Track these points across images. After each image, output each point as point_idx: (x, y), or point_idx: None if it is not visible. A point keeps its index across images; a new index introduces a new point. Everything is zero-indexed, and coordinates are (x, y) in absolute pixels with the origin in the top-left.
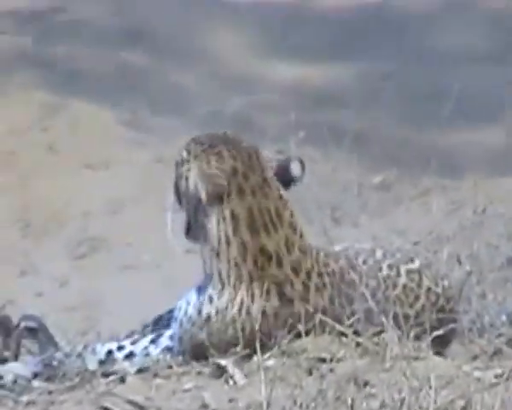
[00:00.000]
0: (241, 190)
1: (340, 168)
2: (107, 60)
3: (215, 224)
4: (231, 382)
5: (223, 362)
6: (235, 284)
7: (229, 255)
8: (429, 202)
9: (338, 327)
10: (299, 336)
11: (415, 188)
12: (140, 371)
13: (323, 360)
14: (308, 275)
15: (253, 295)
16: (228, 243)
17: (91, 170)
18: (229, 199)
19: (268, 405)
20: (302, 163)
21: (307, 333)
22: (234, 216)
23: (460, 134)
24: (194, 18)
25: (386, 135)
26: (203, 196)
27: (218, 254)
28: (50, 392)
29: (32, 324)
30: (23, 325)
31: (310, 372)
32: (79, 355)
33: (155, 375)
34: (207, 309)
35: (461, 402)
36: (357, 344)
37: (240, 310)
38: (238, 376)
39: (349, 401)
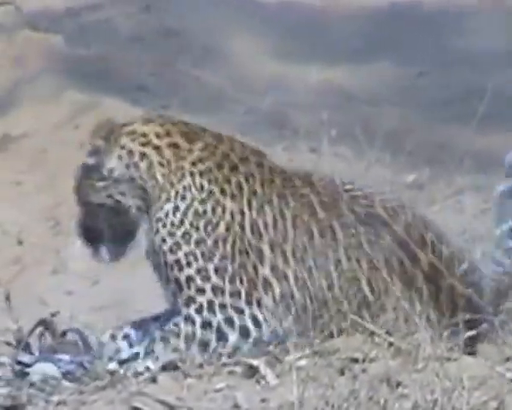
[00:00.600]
0: None
1: (373, 167)
2: (138, 58)
3: None
4: (263, 382)
5: (255, 362)
6: None
7: None
8: (462, 201)
9: (371, 327)
10: (331, 335)
11: (448, 187)
12: (165, 368)
13: (356, 361)
14: None
15: None
16: None
17: None
18: None
19: (300, 405)
20: None
21: (340, 333)
22: None
23: (493, 134)
24: (225, 18)
25: (419, 134)
26: None
27: None
28: (81, 392)
29: (75, 337)
30: (68, 337)
31: (342, 372)
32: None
33: (186, 375)
34: None
35: (494, 403)
36: (390, 344)
37: None
38: (270, 376)
39: (381, 402)
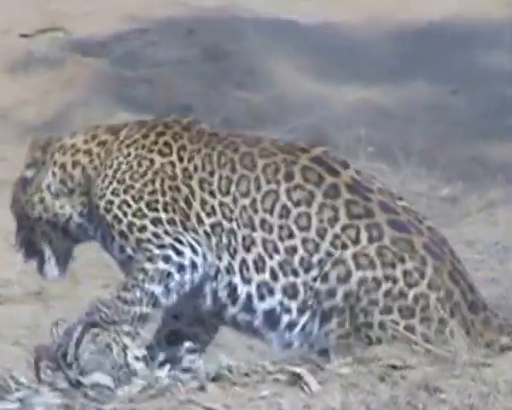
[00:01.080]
0: None
1: (409, 181)
2: (183, 80)
3: None
4: (306, 389)
5: (298, 370)
6: None
7: None
8: (495, 214)
9: (410, 336)
10: (370, 343)
11: (481, 200)
12: (215, 379)
13: (395, 368)
14: None
15: None
16: None
17: None
18: None
19: None
20: None
21: (379, 341)
22: None
23: None
24: (266, 41)
25: (453, 149)
26: None
27: None
28: (132, 400)
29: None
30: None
31: (382, 379)
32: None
33: (233, 383)
34: None
35: None
36: (428, 352)
37: None
38: (313, 383)
39: (420, 407)
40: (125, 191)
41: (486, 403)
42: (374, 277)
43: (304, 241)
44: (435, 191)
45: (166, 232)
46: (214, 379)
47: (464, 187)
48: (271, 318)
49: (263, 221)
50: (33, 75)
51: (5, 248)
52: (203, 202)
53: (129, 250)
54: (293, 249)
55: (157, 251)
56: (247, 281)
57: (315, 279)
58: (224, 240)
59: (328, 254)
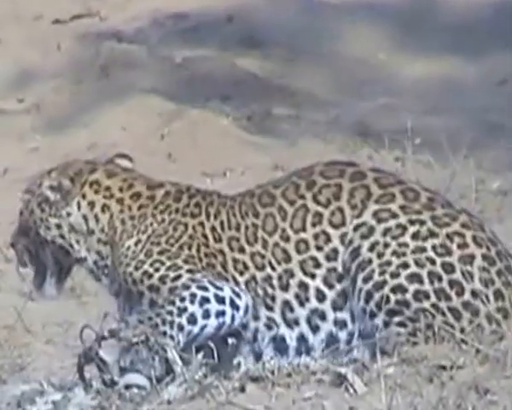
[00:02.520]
0: None
1: (458, 174)
2: (222, 68)
3: None
4: (351, 390)
5: (343, 370)
6: None
7: None
8: None
9: (458, 335)
10: (415, 343)
11: None
12: (256, 379)
13: (444, 368)
14: None
15: None
16: None
17: (209, 178)
18: None
19: None
20: (127, 156)
21: (426, 341)
22: None
23: None
24: (304, 25)
25: (503, 140)
26: None
27: None
28: (170, 401)
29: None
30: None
31: (430, 380)
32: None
33: (275, 384)
34: None
35: None
36: (477, 351)
37: None
38: (358, 384)
39: (470, 409)
40: (160, 253)
41: None
42: None
43: (342, 235)
44: (485, 184)
45: (204, 276)
46: (255, 380)
47: None
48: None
49: (298, 242)
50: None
51: None
52: (235, 262)
53: (160, 302)
54: (335, 251)
55: (181, 285)
56: (294, 323)
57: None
58: (260, 292)
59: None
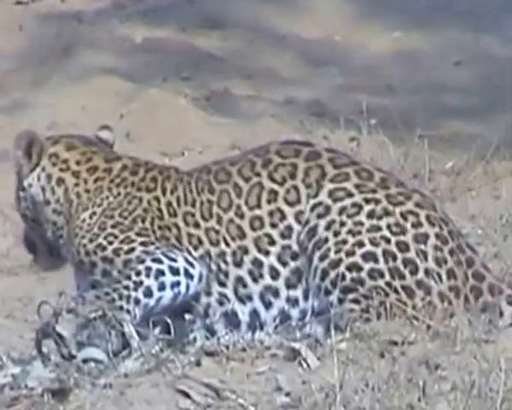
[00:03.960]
0: None
1: (412, 154)
2: (182, 48)
3: None
4: (305, 365)
5: (296, 345)
6: None
7: None
8: (499, 188)
9: (410, 311)
10: (368, 320)
11: (485, 173)
12: (211, 354)
13: (395, 344)
14: None
15: None
16: None
17: (168, 157)
18: None
19: (340, 387)
20: (107, 127)
21: (379, 317)
22: None
23: None
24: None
25: (456, 121)
26: None
27: None
28: (127, 375)
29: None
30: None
31: (382, 355)
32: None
33: (229, 358)
34: None
35: None
36: (428, 328)
37: None
38: (311, 359)
39: (420, 384)
40: (114, 226)
41: (487, 380)
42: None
43: (297, 214)
44: (439, 164)
45: (158, 248)
46: (210, 354)
47: (468, 160)
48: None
49: (252, 219)
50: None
51: None
52: (190, 237)
53: (114, 273)
54: (290, 229)
55: (136, 258)
56: (247, 298)
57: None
58: (214, 267)
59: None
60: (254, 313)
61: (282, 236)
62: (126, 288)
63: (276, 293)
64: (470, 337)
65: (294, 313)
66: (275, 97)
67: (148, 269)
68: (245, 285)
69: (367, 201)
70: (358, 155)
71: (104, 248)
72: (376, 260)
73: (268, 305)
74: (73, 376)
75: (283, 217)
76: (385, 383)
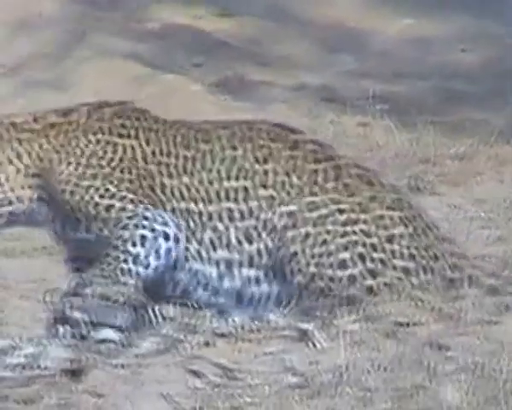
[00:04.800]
0: None
1: (419, 139)
2: (197, 33)
3: None
4: (313, 345)
5: (305, 326)
6: None
7: None
8: (503, 172)
9: (416, 293)
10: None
11: (489, 158)
12: (222, 335)
13: (402, 325)
14: None
15: None
16: None
17: None
18: None
19: (348, 368)
20: None
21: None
22: None
23: None
24: None
25: (463, 106)
26: None
27: None
28: (139, 355)
29: None
30: None
31: (389, 336)
32: None
33: (240, 339)
34: None
35: None
36: (433, 309)
37: None
38: (320, 340)
39: (426, 364)
40: (94, 176)
41: (492, 361)
42: None
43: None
44: (445, 149)
45: (135, 205)
46: (221, 335)
47: (474, 145)
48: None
49: (227, 190)
50: (45, 27)
51: None
52: (163, 186)
53: (95, 229)
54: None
55: (127, 221)
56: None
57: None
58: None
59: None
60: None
61: (242, 216)
62: (125, 262)
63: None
64: (475, 319)
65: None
66: (287, 83)
67: (144, 238)
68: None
69: (340, 211)
70: (365, 141)
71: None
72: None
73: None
74: (87, 356)
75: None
76: (392, 364)
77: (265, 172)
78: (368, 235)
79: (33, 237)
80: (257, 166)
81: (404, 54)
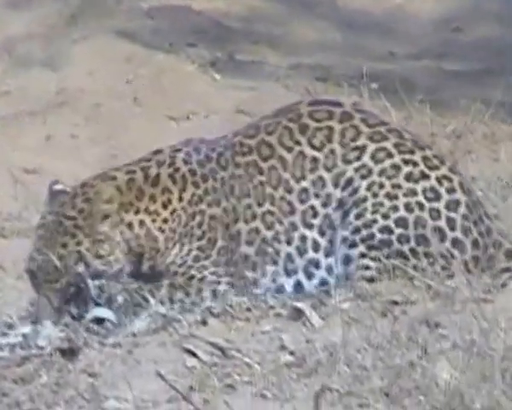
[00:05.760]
0: None
1: (414, 118)
2: (189, 13)
3: None
4: (308, 324)
5: (300, 305)
6: None
7: None
8: (498, 150)
9: (410, 271)
10: (372, 280)
11: (484, 137)
12: (217, 314)
13: (397, 303)
14: None
15: None
16: None
17: (174, 121)
18: None
19: (343, 346)
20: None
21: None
22: None
23: None
24: None
25: (456, 85)
26: None
27: None
28: (134, 334)
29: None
30: None
31: (384, 315)
32: None
33: (234, 318)
34: None
35: None
36: (429, 287)
37: None
38: (315, 318)
39: (421, 342)
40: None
41: (487, 339)
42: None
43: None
44: (440, 127)
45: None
46: (216, 314)
47: (468, 123)
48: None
49: (300, 192)
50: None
51: (8, 182)
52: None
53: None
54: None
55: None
56: (293, 272)
57: None
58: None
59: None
60: (298, 285)
61: (324, 205)
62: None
63: (317, 264)
64: (470, 297)
65: (331, 280)
66: (279, 63)
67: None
68: (292, 260)
69: (405, 162)
70: None
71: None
72: (407, 227)
73: (310, 276)
74: (83, 335)
75: (324, 185)
76: (387, 342)
77: (326, 156)
78: (429, 199)
79: (29, 218)
80: (317, 153)
81: (396, 33)
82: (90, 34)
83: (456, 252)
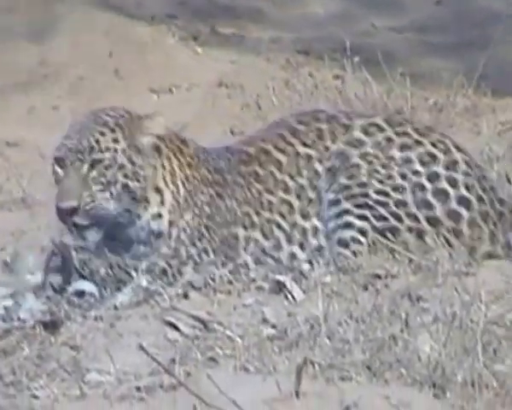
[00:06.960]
0: None
1: (395, 91)
2: None
3: None
4: (290, 297)
5: (282, 278)
6: None
7: None
8: (480, 124)
9: (391, 245)
10: (354, 254)
11: (466, 110)
12: (200, 287)
13: (378, 277)
14: None
15: None
16: None
17: (156, 94)
18: None
19: (325, 319)
20: None
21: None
22: None
23: (509, 57)
24: None
25: (438, 58)
26: None
27: None
28: (116, 307)
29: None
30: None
31: (365, 288)
32: None
33: (216, 291)
34: None
35: (510, 316)
36: (410, 261)
37: None
38: (296, 291)
39: (403, 316)
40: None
41: (468, 312)
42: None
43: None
44: (420, 101)
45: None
46: (198, 287)
47: (448, 96)
48: None
49: (297, 188)
50: None
51: None
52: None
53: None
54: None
55: None
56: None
57: None
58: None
59: None
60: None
61: (319, 195)
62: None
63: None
64: (451, 270)
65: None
66: (261, 36)
67: None
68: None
69: (397, 134)
70: (343, 92)
71: None
72: (404, 193)
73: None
74: (64, 308)
75: (318, 175)
76: (368, 315)
77: (319, 151)
78: (426, 163)
79: (11, 190)
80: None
81: (377, 7)
82: (73, 7)
83: (463, 210)
